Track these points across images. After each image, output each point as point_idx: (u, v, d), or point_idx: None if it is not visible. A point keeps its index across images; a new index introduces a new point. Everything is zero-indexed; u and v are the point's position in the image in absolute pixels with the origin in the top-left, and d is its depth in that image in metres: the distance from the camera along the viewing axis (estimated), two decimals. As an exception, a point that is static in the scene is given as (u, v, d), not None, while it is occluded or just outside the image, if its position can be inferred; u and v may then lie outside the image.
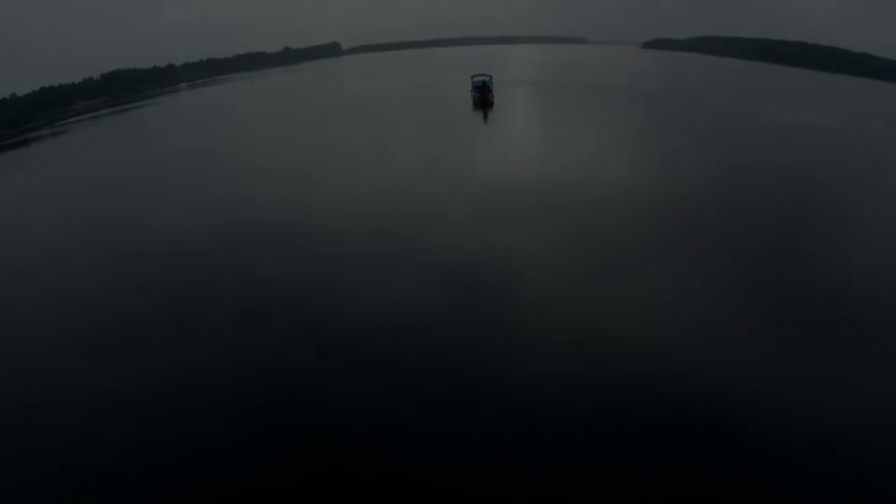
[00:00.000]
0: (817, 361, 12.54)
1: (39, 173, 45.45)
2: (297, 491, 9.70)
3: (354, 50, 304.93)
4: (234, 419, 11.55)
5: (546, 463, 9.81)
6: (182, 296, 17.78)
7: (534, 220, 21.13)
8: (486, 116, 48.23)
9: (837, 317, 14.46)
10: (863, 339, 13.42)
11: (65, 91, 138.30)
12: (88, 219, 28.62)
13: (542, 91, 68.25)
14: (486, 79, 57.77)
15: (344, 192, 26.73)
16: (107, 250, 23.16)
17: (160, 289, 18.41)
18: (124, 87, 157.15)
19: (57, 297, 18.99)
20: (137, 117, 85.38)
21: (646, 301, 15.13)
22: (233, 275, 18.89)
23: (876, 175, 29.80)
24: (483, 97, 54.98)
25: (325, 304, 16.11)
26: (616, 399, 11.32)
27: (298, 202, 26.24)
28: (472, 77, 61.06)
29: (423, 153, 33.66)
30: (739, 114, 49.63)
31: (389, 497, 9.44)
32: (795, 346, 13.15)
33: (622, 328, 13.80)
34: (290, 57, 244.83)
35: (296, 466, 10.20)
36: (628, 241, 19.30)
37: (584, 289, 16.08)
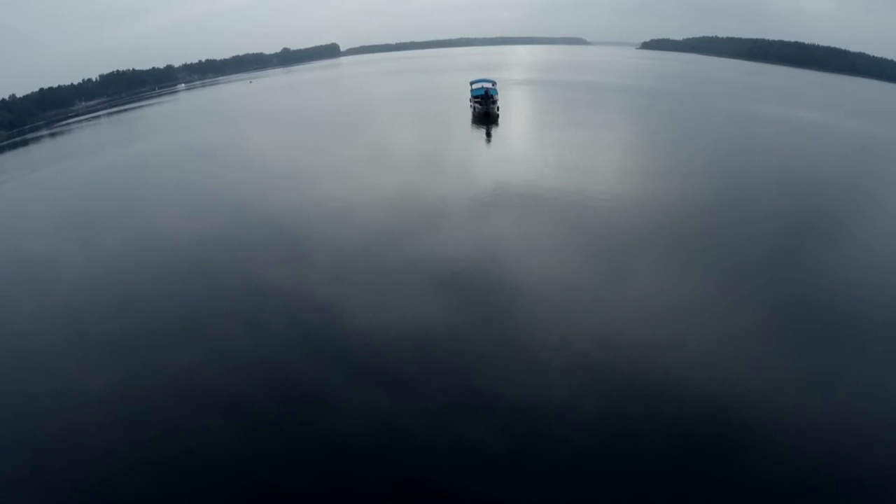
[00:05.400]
0: (833, 367, 12.42)
1: (38, 174, 45.44)
2: (297, 495, 9.75)
3: (353, 51, 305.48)
4: (233, 423, 11.55)
5: (551, 469, 9.84)
6: (180, 298, 17.66)
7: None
8: (489, 134, 39.37)
9: (853, 319, 14.35)
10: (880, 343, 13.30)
11: (64, 92, 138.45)
12: (85, 220, 28.52)
13: (547, 92, 66.73)
14: (489, 86, 47.54)
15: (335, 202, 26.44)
16: (104, 252, 23.14)
17: (157, 291, 18.28)
18: (123, 89, 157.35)
19: (52, 299, 18.91)
20: (136, 118, 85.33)
21: (653, 304, 15.12)
22: (231, 277, 18.76)
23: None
24: (485, 109, 44.70)
25: (325, 307, 16.01)
26: (623, 403, 11.30)
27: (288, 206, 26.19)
28: (470, 83, 50.80)
29: (398, 213, 23.67)
30: (739, 112, 49.89)
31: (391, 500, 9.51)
32: (809, 352, 13.12)
33: (627, 332, 13.79)
34: (288, 58, 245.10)
35: (295, 470, 10.21)
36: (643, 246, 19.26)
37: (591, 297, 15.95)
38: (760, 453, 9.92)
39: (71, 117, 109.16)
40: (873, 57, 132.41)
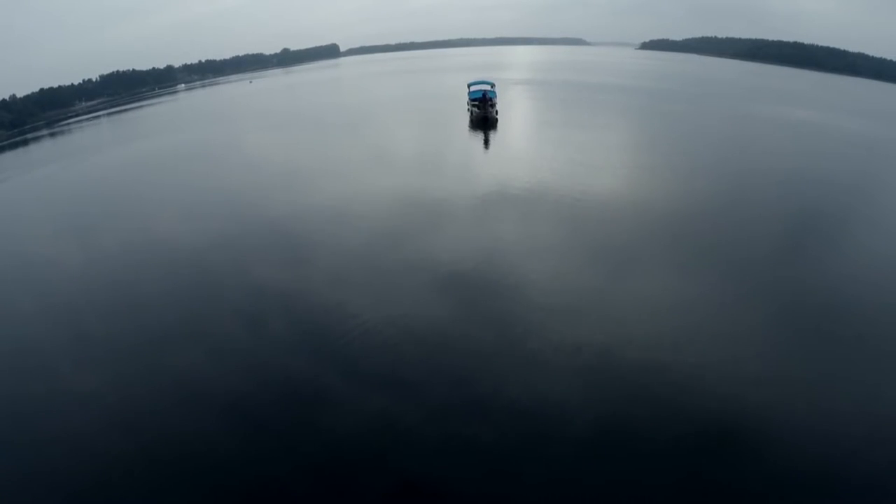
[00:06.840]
0: (836, 367, 12.38)
1: (38, 173, 45.49)
2: (298, 496, 9.75)
3: (353, 51, 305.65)
4: (232, 423, 11.56)
5: (553, 469, 9.84)
6: (180, 298, 17.65)
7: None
8: (487, 140, 37.88)
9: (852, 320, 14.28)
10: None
11: (64, 92, 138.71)
12: (85, 220, 28.53)
13: (547, 93, 66.21)
14: (488, 88, 45.72)
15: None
16: (104, 252, 23.12)
17: (157, 291, 18.25)
18: (123, 89, 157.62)
19: (50, 299, 18.91)
20: (136, 118, 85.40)
21: (654, 304, 15.13)
22: (231, 277, 18.75)
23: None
24: (483, 113, 42.93)
25: (326, 307, 16.02)
26: (625, 403, 11.30)
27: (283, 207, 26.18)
28: (468, 85, 48.76)
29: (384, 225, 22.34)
30: (739, 112, 49.94)
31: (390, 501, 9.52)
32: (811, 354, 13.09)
33: (630, 331, 13.81)
34: (287, 58, 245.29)
35: (296, 471, 10.21)
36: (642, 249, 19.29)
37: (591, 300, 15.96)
38: (763, 452, 9.91)
39: (71, 117, 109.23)
40: (873, 57, 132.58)
